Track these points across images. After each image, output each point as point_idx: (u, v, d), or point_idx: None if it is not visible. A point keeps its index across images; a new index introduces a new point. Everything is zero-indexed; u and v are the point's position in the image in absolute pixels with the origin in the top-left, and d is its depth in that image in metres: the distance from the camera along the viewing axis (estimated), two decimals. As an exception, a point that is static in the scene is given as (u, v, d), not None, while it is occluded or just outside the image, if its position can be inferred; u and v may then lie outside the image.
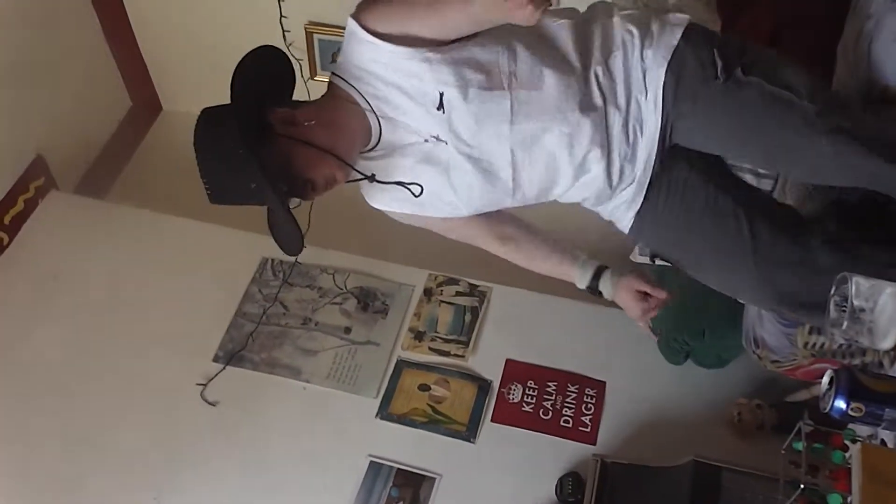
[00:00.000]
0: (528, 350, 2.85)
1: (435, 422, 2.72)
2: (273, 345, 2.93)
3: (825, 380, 1.47)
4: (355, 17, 1.71)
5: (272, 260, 3.14)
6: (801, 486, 1.65)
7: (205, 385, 2.83)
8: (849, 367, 1.44)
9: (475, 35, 1.70)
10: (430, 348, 2.90)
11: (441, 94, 1.70)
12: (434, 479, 2.61)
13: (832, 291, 1.44)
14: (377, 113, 1.77)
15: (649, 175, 1.87)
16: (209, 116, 1.77)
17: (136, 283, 3.14)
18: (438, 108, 1.72)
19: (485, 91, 1.71)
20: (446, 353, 2.88)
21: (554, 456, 2.61)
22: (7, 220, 3.26)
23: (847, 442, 1.69)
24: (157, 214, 3.36)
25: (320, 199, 3.19)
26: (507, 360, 2.83)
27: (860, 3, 2.07)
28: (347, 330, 2.95)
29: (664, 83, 1.76)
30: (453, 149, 1.78)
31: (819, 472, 1.72)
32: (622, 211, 1.97)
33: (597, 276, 2.09)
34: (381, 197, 1.95)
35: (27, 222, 3.34)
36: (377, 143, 1.82)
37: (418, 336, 2.92)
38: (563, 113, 1.75)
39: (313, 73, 3.59)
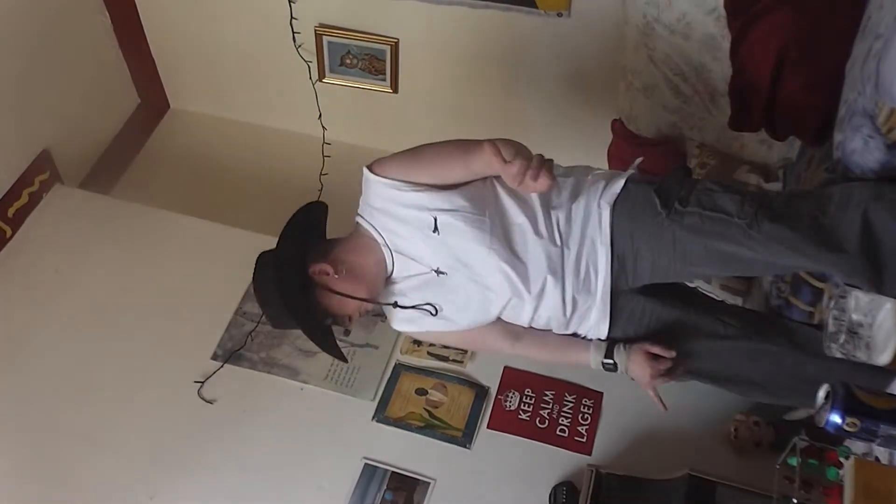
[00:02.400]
0: (526, 358, 2.84)
1: (431, 426, 2.72)
2: (272, 344, 2.93)
3: (821, 394, 1.46)
4: (369, 167, 2.11)
5: (274, 260, 3.14)
6: (795, 501, 1.64)
7: (202, 383, 2.83)
8: (846, 382, 1.44)
9: (464, 187, 2.08)
10: (428, 353, 2.89)
11: (435, 219, 2.04)
12: (428, 483, 2.60)
13: (831, 305, 1.44)
14: (390, 246, 2.13)
15: (608, 305, 2.14)
16: (263, 270, 2.17)
17: (138, 280, 3.14)
18: (434, 231, 2.05)
19: (470, 215, 2.04)
20: (445, 359, 2.88)
21: (549, 465, 2.61)
22: (11, 213, 3.27)
23: (842, 459, 1.69)
24: (161, 212, 3.37)
25: (323, 200, 3.22)
26: (505, 368, 2.83)
27: (870, 23, 2.07)
28: (346, 332, 2.95)
29: (611, 223, 2.05)
30: (453, 272, 2.11)
31: (813, 488, 1.72)
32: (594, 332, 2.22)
33: (609, 350, 2.22)
34: (403, 321, 2.27)
35: (31, 216, 3.35)
36: (392, 273, 2.18)
37: (417, 340, 2.92)
38: (525, 247, 2.08)
39: (322, 76, 3.61)
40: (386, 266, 2.17)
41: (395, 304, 2.20)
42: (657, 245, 2.03)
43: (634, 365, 2.18)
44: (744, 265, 2.07)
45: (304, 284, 2.13)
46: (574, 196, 2.10)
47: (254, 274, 2.19)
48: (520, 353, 2.33)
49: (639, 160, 2.21)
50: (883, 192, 1.85)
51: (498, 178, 2.07)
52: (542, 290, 2.10)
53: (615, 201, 2.05)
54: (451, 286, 2.14)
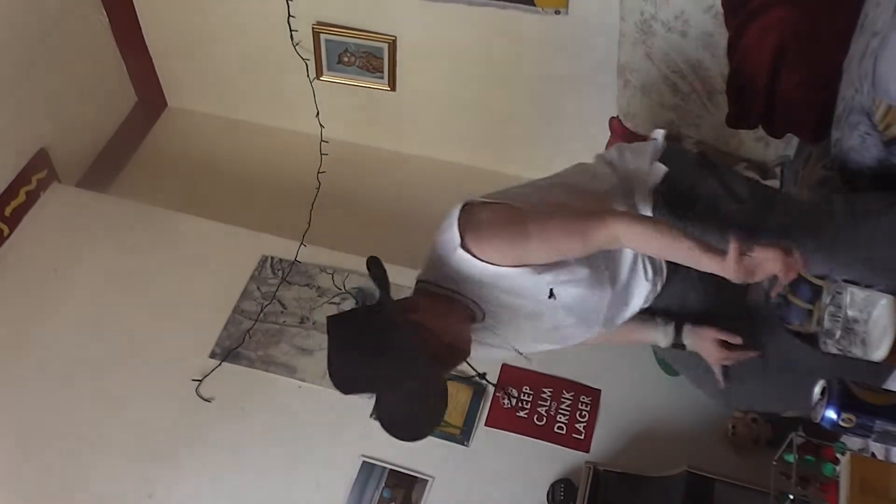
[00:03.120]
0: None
1: (429, 424, 2.72)
2: (270, 342, 2.93)
3: (817, 390, 1.47)
4: (463, 242, 1.82)
5: (272, 258, 3.15)
6: (791, 497, 1.65)
7: (200, 381, 2.84)
8: (842, 378, 1.44)
9: None
10: (426, 351, 2.89)
11: (552, 289, 1.89)
12: (426, 481, 2.61)
13: (827, 301, 1.44)
14: (494, 337, 1.96)
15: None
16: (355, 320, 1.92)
17: (136, 278, 3.14)
18: (550, 297, 1.90)
19: (592, 280, 1.92)
20: (442, 357, 2.88)
21: (547, 462, 2.61)
22: (8, 211, 3.27)
23: (838, 454, 1.69)
24: (159, 210, 3.37)
25: (321, 199, 3.22)
26: (504, 365, 2.83)
27: (867, 20, 2.07)
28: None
29: None
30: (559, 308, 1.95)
31: (810, 484, 1.72)
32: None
33: (678, 331, 2.18)
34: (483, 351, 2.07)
35: (28, 214, 3.35)
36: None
37: (415, 338, 2.92)
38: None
39: (319, 73, 3.60)
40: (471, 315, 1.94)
41: (515, 349, 2.05)
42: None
43: (702, 349, 2.16)
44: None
45: (410, 329, 1.81)
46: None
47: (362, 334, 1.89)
48: (597, 340, 2.24)
49: (661, 133, 2.18)
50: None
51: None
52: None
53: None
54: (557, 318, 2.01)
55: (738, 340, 2.11)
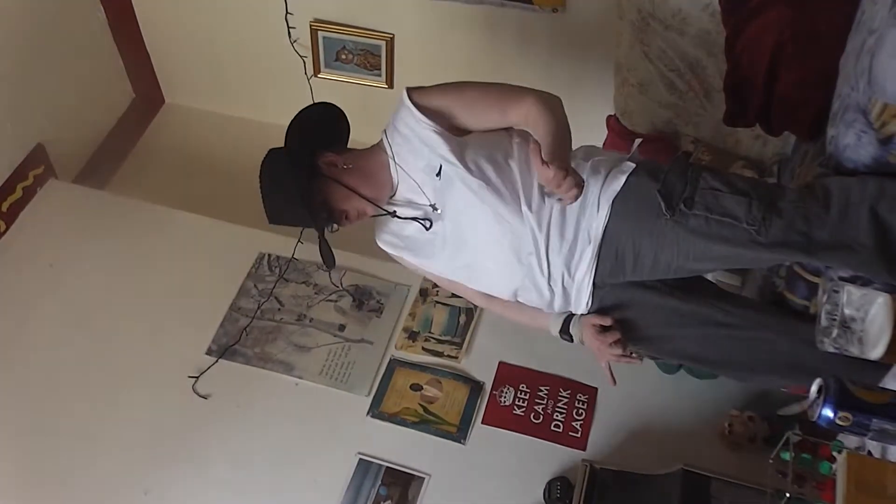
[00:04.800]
0: (521, 353, 2.85)
1: (426, 422, 2.72)
2: (266, 340, 2.93)
3: (814, 388, 1.47)
4: (409, 91, 2.09)
5: (269, 255, 3.15)
6: (788, 495, 1.65)
7: (197, 378, 2.83)
8: (838, 376, 1.44)
9: (487, 137, 2.11)
10: (423, 348, 2.90)
11: (441, 166, 2.06)
12: (423, 478, 2.61)
13: (824, 300, 1.44)
14: (400, 165, 2.13)
15: (587, 295, 2.14)
16: (272, 155, 2.16)
17: (132, 274, 3.14)
18: (437, 175, 2.08)
19: (472, 180, 2.04)
20: (440, 354, 2.88)
21: (543, 460, 2.61)
22: (5, 207, 3.26)
23: (834, 453, 1.69)
24: (156, 207, 3.36)
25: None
26: (500, 363, 2.83)
27: (864, 18, 2.07)
28: (342, 327, 2.96)
29: (607, 222, 2.02)
30: (445, 218, 2.12)
31: (806, 482, 1.72)
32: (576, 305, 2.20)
33: (567, 322, 2.25)
34: (387, 241, 2.29)
35: (25, 210, 3.34)
36: (395, 193, 2.18)
37: (412, 336, 2.92)
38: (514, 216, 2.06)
39: (317, 71, 3.60)
40: (392, 182, 2.16)
41: (394, 214, 2.18)
42: (659, 244, 2.01)
43: (586, 338, 2.21)
44: (749, 263, 2.11)
45: (311, 173, 2.11)
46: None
47: (264, 158, 2.16)
48: (493, 310, 2.38)
49: (638, 142, 2.20)
50: (885, 187, 1.86)
51: (523, 134, 2.11)
52: (528, 271, 2.11)
53: (615, 199, 2.02)
54: (438, 227, 2.15)
55: (607, 321, 2.16)
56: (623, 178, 2.03)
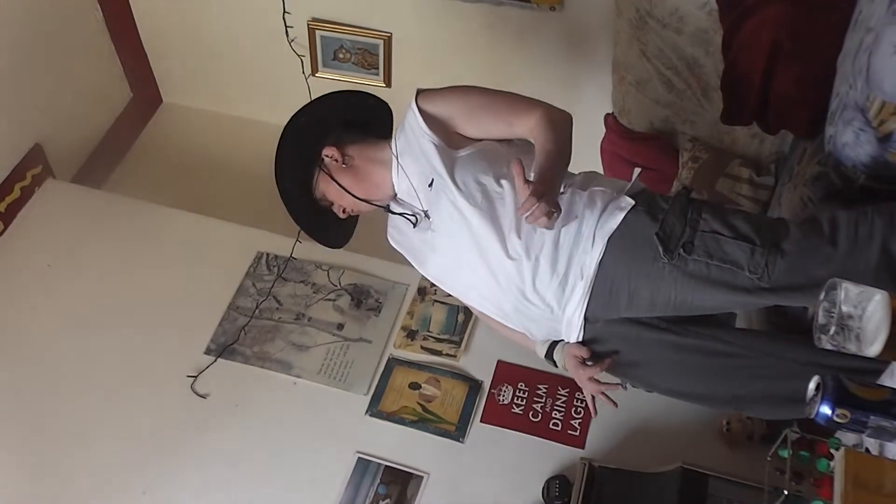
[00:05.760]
0: (520, 352, 2.83)
1: (424, 420, 2.72)
2: (265, 339, 2.93)
3: (812, 385, 1.47)
4: (418, 94, 2.14)
5: (267, 254, 3.15)
6: (785, 493, 1.65)
7: (195, 377, 2.83)
8: (836, 374, 1.44)
9: (485, 154, 2.10)
10: (422, 347, 2.90)
11: (433, 180, 2.08)
12: (422, 477, 2.61)
13: (822, 297, 1.44)
14: (402, 166, 2.15)
15: (578, 330, 2.10)
16: (290, 132, 2.21)
17: (130, 274, 3.14)
18: (429, 186, 2.10)
19: (456, 193, 2.05)
20: (438, 353, 2.88)
21: (542, 458, 2.61)
22: (3, 207, 3.26)
23: (832, 450, 1.69)
24: (154, 206, 3.36)
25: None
26: (499, 362, 2.84)
27: (861, 16, 2.07)
28: (340, 326, 2.96)
29: (601, 259, 1.98)
30: (436, 224, 2.13)
31: (804, 479, 1.72)
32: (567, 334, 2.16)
33: (552, 347, 2.25)
34: (392, 236, 2.34)
35: (23, 210, 3.34)
36: (396, 194, 2.23)
37: (411, 335, 2.93)
38: (503, 244, 2.04)
39: (315, 70, 3.61)
40: (391, 181, 2.20)
41: (387, 208, 2.25)
42: (656, 285, 1.97)
43: (569, 367, 2.20)
44: (751, 307, 2.10)
45: (311, 160, 2.20)
46: (566, 218, 2.00)
47: (283, 131, 2.23)
48: (487, 322, 2.40)
49: (637, 171, 2.15)
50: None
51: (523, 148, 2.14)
52: (512, 298, 2.09)
53: (610, 237, 1.97)
54: (429, 236, 2.18)
55: (585, 353, 2.14)
56: (621, 216, 1.98)
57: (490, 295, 2.13)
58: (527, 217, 1.81)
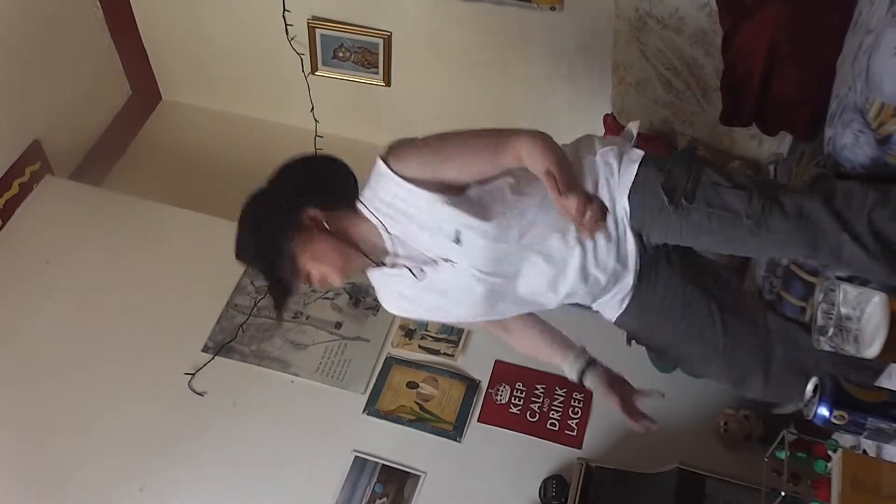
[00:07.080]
0: (518, 352, 2.84)
1: (422, 420, 2.72)
2: (263, 337, 2.93)
3: (810, 387, 1.47)
4: (385, 159, 1.95)
5: (265, 253, 3.14)
6: (783, 494, 1.65)
7: (193, 375, 2.83)
8: (834, 375, 1.44)
9: (487, 183, 1.98)
10: (419, 346, 2.90)
11: (458, 231, 1.92)
12: (419, 476, 2.61)
13: (820, 299, 1.44)
14: (396, 237, 1.99)
15: (633, 282, 2.09)
16: (260, 195, 2.09)
17: (129, 271, 3.14)
18: (456, 242, 1.94)
19: (496, 233, 1.94)
20: (436, 352, 2.88)
21: (539, 458, 2.61)
22: (1, 204, 3.26)
23: (830, 452, 1.69)
24: (152, 203, 3.36)
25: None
26: (496, 362, 2.83)
27: (861, 18, 2.08)
28: (338, 325, 2.96)
29: (629, 209, 2.00)
30: (466, 267, 1.98)
31: (801, 480, 1.73)
32: (611, 307, 2.17)
33: (583, 373, 2.23)
34: (391, 302, 2.18)
35: (21, 207, 3.34)
36: (390, 254, 2.03)
37: (408, 334, 2.93)
38: (551, 241, 2.00)
39: (314, 69, 3.60)
40: (379, 248, 2.02)
41: (380, 263, 2.05)
42: (664, 231, 2.02)
43: (600, 393, 2.23)
44: (749, 252, 2.15)
45: (291, 221, 1.98)
46: (594, 185, 2.00)
47: (251, 194, 2.12)
48: (509, 343, 2.33)
49: (636, 125, 2.18)
50: (890, 197, 1.86)
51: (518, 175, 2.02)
52: (569, 290, 2.07)
53: (630, 192, 2.00)
54: (457, 281, 2.01)
55: (618, 381, 2.21)
56: (635, 169, 2.01)
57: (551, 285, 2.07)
58: (582, 227, 1.90)
